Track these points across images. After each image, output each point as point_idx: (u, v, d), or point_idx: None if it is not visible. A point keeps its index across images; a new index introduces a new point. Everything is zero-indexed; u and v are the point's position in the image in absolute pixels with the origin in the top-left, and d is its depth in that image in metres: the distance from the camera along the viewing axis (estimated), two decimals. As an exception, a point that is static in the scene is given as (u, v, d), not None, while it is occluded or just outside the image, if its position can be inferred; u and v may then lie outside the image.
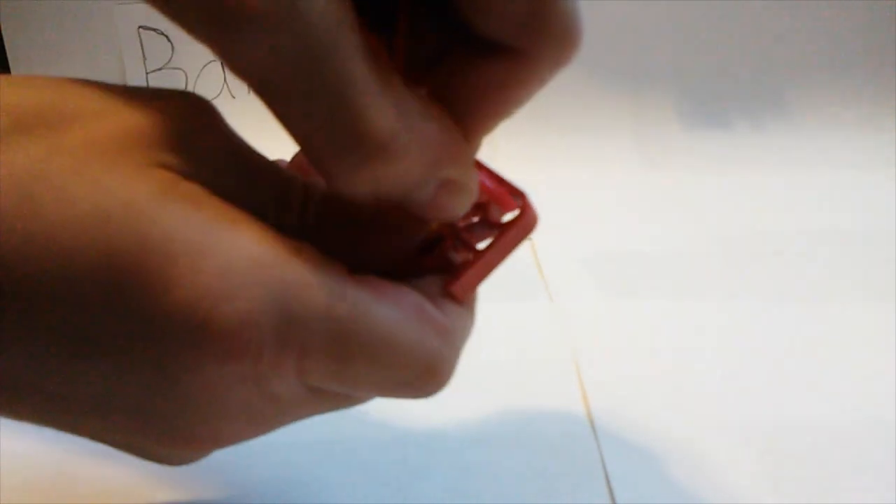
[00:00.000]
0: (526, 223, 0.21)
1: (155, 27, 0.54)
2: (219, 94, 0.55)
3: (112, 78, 0.56)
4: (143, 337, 0.17)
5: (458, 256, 0.22)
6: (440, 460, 0.30)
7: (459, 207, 0.20)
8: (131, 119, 0.18)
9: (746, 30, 0.58)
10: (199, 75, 0.55)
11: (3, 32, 0.54)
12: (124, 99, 0.18)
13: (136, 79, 0.55)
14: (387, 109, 0.17)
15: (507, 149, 0.55)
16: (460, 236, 0.22)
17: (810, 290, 0.41)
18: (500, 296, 0.40)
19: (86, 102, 0.18)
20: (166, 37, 0.54)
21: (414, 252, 0.21)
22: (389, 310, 0.19)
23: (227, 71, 0.55)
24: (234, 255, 0.17)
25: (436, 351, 0.20)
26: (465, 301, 0.21)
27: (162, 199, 0.17)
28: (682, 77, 0.58)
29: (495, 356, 0.35)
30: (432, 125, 0.19)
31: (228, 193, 0.18)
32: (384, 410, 0.32)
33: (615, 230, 0.47)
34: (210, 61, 0.55)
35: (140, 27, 0.54)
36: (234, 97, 0.55)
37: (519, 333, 0.37)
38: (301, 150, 0.19)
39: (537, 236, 0.46)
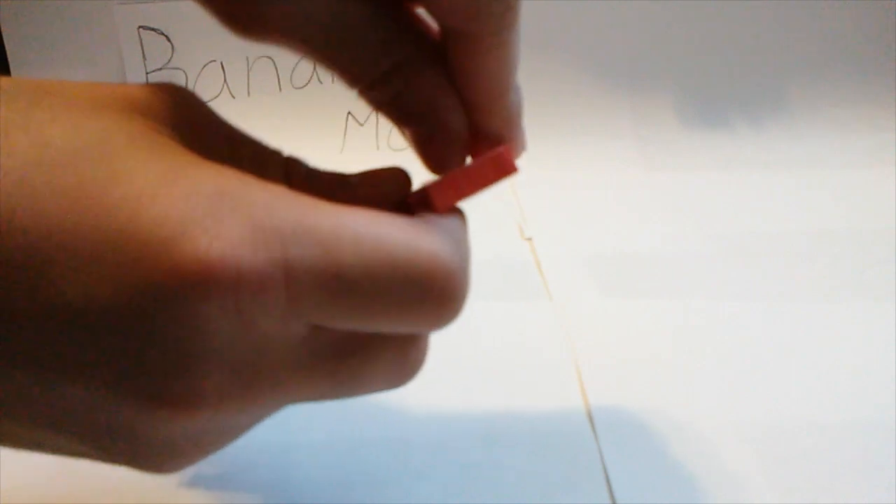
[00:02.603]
0: (506, 151, 0.22)
1: (155, 27, 0.54)
2: (219, 94, 0.55)
3: (112, 78, 0.56)
4: (114, 273, 0.16)
5: None
6: (440, 460, 0.30)
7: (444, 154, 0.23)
8: (111, 86, 0.19)
9: (746, 30, 0.58)
10: (199, 75, 0.55)
11: (3, 32, 0.54)
12: (103, 83, 0.19)
13: (136, 79, 0.55)
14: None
15: (507, 149, 0.55)
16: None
17: (810, 289, 0.41)
18: (500, 295, 0.40)
19: (67, 83, 0.19)
20: (166, 37, 0.54)
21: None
22: (373, 217, 0.18)
23: (226, 71, 0.55)
24: (199, 180, 0.17)
25: (437, 249, 0.18)
26: (443, 207, 0.21)
27: (135, 142, 0.17)
28: (682, 77, 0.58)
29: (495, 356, 0.35)
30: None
31: (204, 154, 0.19)
32: (384, 410, 0.32)
33: (615, 230, 0.47)
34: (210, 61, 0.55)
35: (140, 27, 0.54)
36: (234, 97, 0.55)
37: (519, 333, 0.37)
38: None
39: (537, 236, 0.46)
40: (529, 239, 0.46)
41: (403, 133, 0.24)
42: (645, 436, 0.31)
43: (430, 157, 0.23)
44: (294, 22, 0.21)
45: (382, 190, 0.23)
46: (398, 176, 0.23)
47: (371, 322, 0.18)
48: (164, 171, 0.17)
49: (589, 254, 0.44)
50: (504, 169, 0.22)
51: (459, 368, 0.35)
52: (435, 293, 0.18)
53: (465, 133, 0.23)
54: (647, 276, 0.42)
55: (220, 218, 0.16)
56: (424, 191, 0.22)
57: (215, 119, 0.21)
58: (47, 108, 0.17)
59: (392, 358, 0.20)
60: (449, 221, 0.20)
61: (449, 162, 0.23)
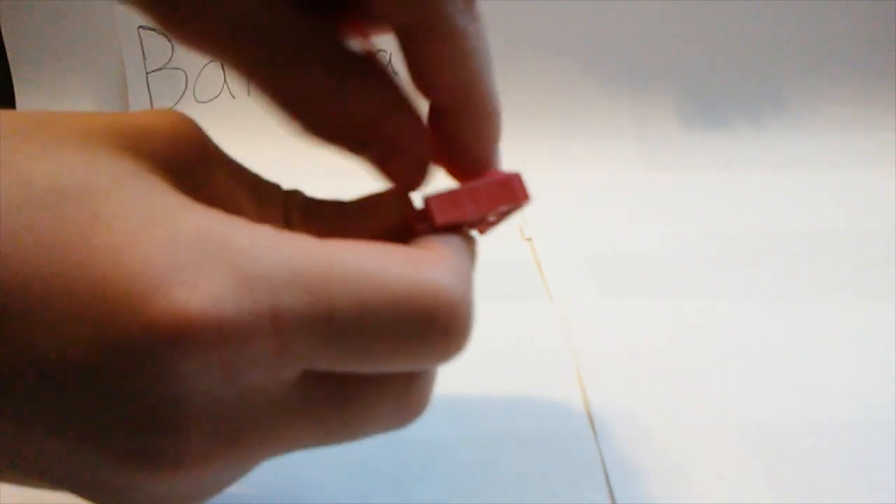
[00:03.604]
0: (518, 178, 0.22)
1: (155, 27, 0.54)
2: (219, 94, 0.55)
3: (112, 78, 0.56)
4: (89, 328, 0.15)
5: None
6: (440, 460, 0.30)
7: (405, 172, 0.22)
8: (107, 118, 0.18)
9: (746, 30, 0.58)
10: (199, 75, 0.55)
11: (3, 32, 0.54)
12: (102, 113, 0.19)
13: (136, 79, 0.55)
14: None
15: (507, 148, 0.55)
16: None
17: (810, 289, 0.41)
18: (500, 295, 0.40)
19: (66, 114, 0.18)
20: (166, 37, 0.54)
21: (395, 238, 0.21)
22: (367, 252, 0.17)
23: (226, 71, 0.55)
24: (181, 225, 0.16)
25: (437, 280, 0.17)
26: (442, 220, 0.20)
27: (121, 181, 0.17)
28: (682, 77, 0.58)
29: (495, 356, 0.35)
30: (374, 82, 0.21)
31: (201, 191, 0.19)
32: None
33: (615, 230, 0.47)
34: (210, 61, 0.55)
35: (140, 27, 0.54)
36: (234, 97, 0.55)
37: (519, 333, 0.37)
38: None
39: (537, 236, 0.46)
40: (529, 239, 0.46)
41: (362, 160, 0.23)
42: (645, 436, 0.31)
43: (394, 180, 0.22)
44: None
45: (383, 215, 0.22)
46: (399, 198, 0.23)
47: (370, 364, 0.17)
48: (145, 216, 0.16)
49: (589, 254, 0.44)
50: (514, 195, 0.21)
51: (459, 368, 0.35)
52: (438, 327, 0.17)
53: (423, 149, 0.22)
54: (647, 276, 0.42)
55: (199, 267, 0.15)
56: (424, 202, 0.21)
57: (216, 152, 0.21)
58: (38, 143, 0.17)
59: (393, 399, 0.19)
60: (448, 243, 0.19)
61: (413, 181, 0.22)
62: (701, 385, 0.34)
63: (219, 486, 0.19)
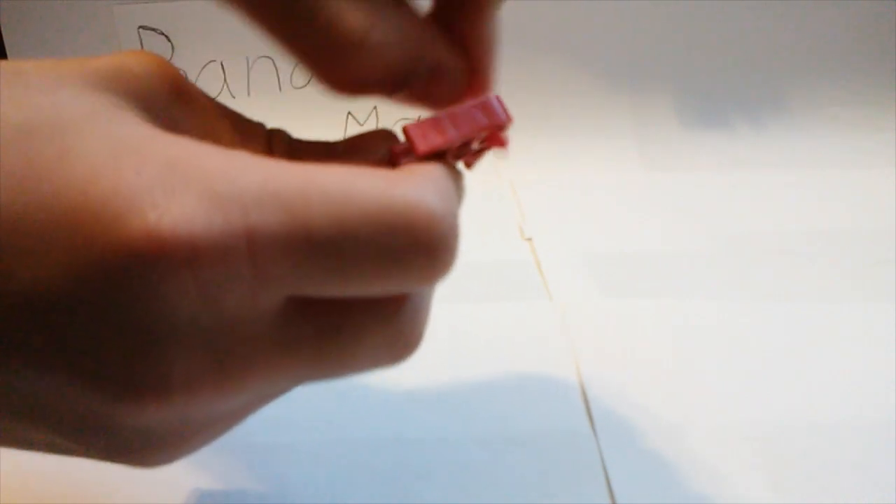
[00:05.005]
0: (497, 98, 0.21)
1: (155, 27, 0.54)
2: (219, 94, 0.55)
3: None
4: (64, 254, 0.15)
5: None
6: (440, 460, 0.30)
7: (449, 92, 0.21)
8: (78, 61, 0.18)
9: (746, 30, 0.58)
10: (199, 75, 0.55)
11: (3, 32, 0.54)
12: (75, 58, 0.19)
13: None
14: (358, 10, 0.19)
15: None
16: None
17: (810, 289, 0.41)
18: (500, 295, 0.40)
19: (34, 61, 0.18)
20: (166, 37, 0.54)
21: None
22: (344, 171, 0.17)
23: (226, 71, 0.55)
24: (152, 152, 0.16)
25: (415, 195, 0.17)
26: (424, 147, 0.20)
27: (90, 116, 0.17)
28: (682, 77, 0.58)
29: (495, 356, 0.35)
30: (405, 17, 0.20)
31: (178, 128, 0.18)
32: (384, 410, 0.32)
33: (615, 230, 0.47)
34: (210, 61, 0.55)
35: (140, 27, 0.54)
36: (234, 97, 0.55)
37: (519, 333, 0.37)
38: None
39: (537, 236, 0.46)
40: (529, 239, 0.46)
41: (397, 98, 0.22)
42: (645, 436, 0.31)
43: (436, 105, 0.22)
44: None
45: (370, 153, 0.22)
46: (386, 138, 0.22)
47: (353, 285, 0.17)
48: (116, 146, 0.16)
49: (589, 254, 0.44)
50: (494, 115, 0.21)
51: (459, 368, 0.35)
52: (418, 243, 0.17)
53: (461, 63, 0.22)
54: (647, 276, 0.42)
55: (170, 189, 0.15)
56: (404, 131, 0.20)
57: (192, 89, 0.20)
58: (5, 86, 0.17)
59: (382, 328, 0.18)
60: (431, 168, 0.19)
61: (457, 99, 0.22)
62: (701, 385, 0.34)
63: (218, 425, 0.18)
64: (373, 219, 0.16)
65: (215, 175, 0.16)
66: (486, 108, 0.21)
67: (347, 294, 0.17)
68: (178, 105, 0.20)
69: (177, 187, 0.15)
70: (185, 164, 0.16)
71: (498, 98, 0.21)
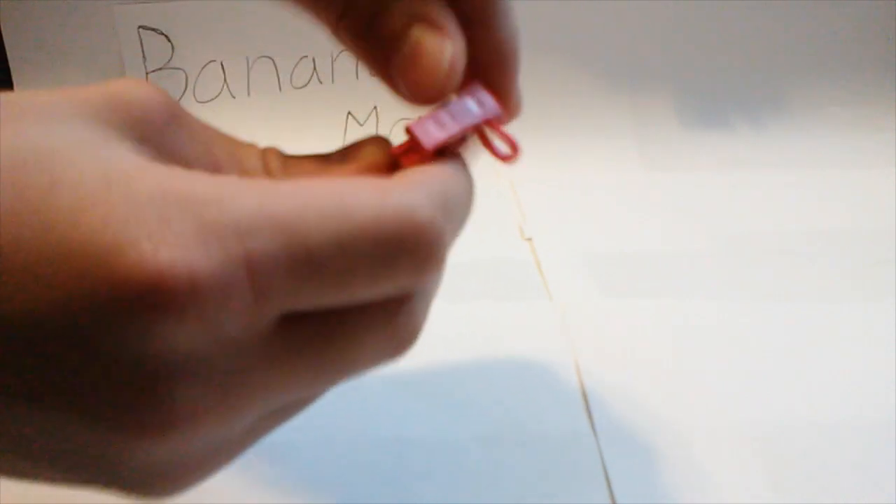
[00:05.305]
0: (475, 87, 0.22)
1: (155, 27, 0.54)
2: (219, 94, 0.55)
3: (112, 78, 0.56)
4: (57, 289, 0.15)
5: None
6: (440, 460, 0.30)
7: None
8: (70, 91, 0.18)
9: (746, 30, 0.58)
10: (199, 75, 0.55)
11: (3, 32, 0.54)
12: (68, 87, 0.18)
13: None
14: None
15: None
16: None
17: (810, 289, 0.41)
18: (500, 295, 0.40)
19: (26, 92, 0.18)
20: (166, 37, 0.54)
21: None
22: (337, 186, 0.17)
23: (226, 71, 0.55)
24: (143, 183, 0.16)
25: (404, 204, 0.17)
26: (431, 145, 0.20)
27: (80, 147, 0.16)
28: (682, 77, 0.58)
29: (495, 355, 0.35)
30: None
31: (174, 157, 0.18)
32: (384, 410, 0.32)
33: (615, 230, 0.47)
34: (210, 61, 0.55)
35: (140, 27, 0.54)
36: (234, 97, 0.55)
37: (519, 333, 0.37)
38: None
39: (537, 236, 0.46)
40: (529, 239, 0.46)
41: (383, 70, 0.22)
42: (645, 436, 0.31)
43: (416, 87, 0.22)
44: None
45: (365, 159, 0.22)
46: (378, 143, 0.22)
47: (349, 295, 0.17)
48: (106, 176, 0.16)
49: (589, 254, 0.44)
50: (487, 105, 0.21)
51: (459, 368, 0.35)
52: (406, 250, 0.17)
53: (464, 47, 0.22)
54: (647, 276, 0.42)
55: (163, 220, 0.15)
56: (408, 131, 0.21)
57: (186, 118, 0.20)
58: None
59: (381, 327, 0.18)
60: (425, 171, 0.19)
61: (445, 85, 0.21)
62: (701, 385, 0.34)
63: (225, 451, 0.18)
64: (367, 232, 0.17)
65: (209, 203, 0.16)
66: (477, 97, 0.21)
67: (341, 303, 0.17)
68: (171, 132, 0.19)
69: (171, 218, 0.15)
70: (178, 194, 0.16)
71: (479, 85, 0.22)
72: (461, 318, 0.38)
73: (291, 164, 0.22)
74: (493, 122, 0.22)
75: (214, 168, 0.20)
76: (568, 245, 0.45)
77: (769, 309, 0.39)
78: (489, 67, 0.23)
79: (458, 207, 0.19)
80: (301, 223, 0.16)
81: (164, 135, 0.19)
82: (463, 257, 0.43)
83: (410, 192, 0.18)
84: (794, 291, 0.41)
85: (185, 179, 0.16)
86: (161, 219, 0.15)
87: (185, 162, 0.19)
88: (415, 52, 0.21)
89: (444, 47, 0.21)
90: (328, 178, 0.18)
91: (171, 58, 0.55)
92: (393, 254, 0.17)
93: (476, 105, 0.21)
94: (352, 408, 0.32)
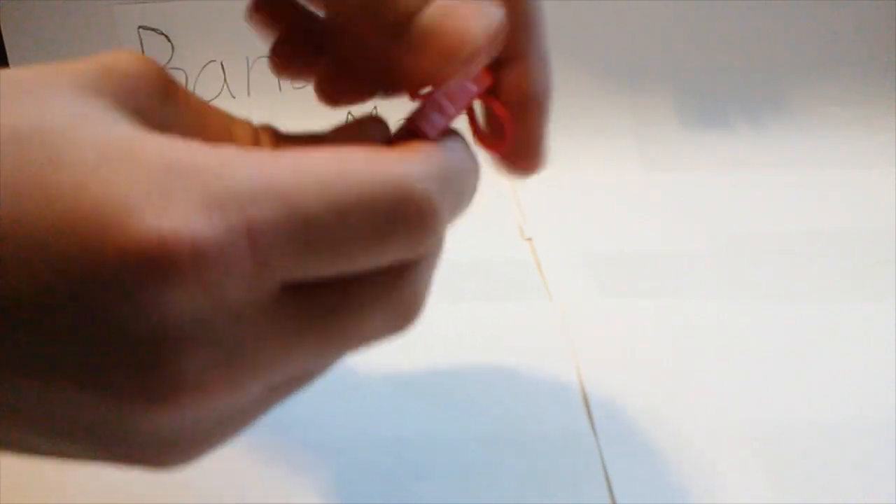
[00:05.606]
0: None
1: (155, 27, 0.54)
2: (219, 94, 0.55)
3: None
4: (61, 262, 0.15)
5: None
6: (440, 460, 0.30)
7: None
8: (61, 66, 0.18)
9: (746, 30, 0.58)
10: (199, 75, 0.55)
11: (3, 32, 0.54)
12: (61, 61, 0.19)
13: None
14: None
15: (507, 149, 0.55)
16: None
17: (810, 289, 0.41)
18: (500, 295, 0.40)
19: (18, 69, 0.18)
20: (166, 37, 0.54)
21: None
22: (336, 154, 0.17)
23: (226, 71, 0.55)
24: (144, 154, 0.16)
25: (402, 172, 0.17)
26: (433, 133, 0.20)
27: (78, 122, 0.16)
28: (682, 77, 0.58)
29: (495, 355, 0.35)
30: None
31: (168, 129, 0.18)
32: (384, 410, 0.32)
33: (615, 230, 0.47)
34: (210, 61, 0.55)
35: (140, 27, 0.54)
36: (234, 97, 0.55)
37: (519, 333, 0.37)
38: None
39: (537, 236, 0.46)
40: (529, 239, 0.46)
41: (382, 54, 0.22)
42: (645, 436, 0.31)
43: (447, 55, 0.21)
44: None
45: (360, 140, 0.22)
46: (376, 124, 0.22)
47: (348, 262, 0.17)
48: (106, 149, 0.16)
49: (589, 254, 0.44)
50: (479, 79, 0.21)
51: (459, 368, 0.35)
52: (402, 221, 0.17)
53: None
54: (647, 276, 0.42)
55: (167, 190, 0.15)
56: (409, 123, 0.21)
57: (180, 90, 0.20)
58: None
59: (384, 299, 0.19)
60: (421, 143, 0.19)
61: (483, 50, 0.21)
62: (701, 385, 0.34)
63: (232, 422, 0.18)
64: (365, 198, 0.17)
65: (211, 173, 0.16)
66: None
67: (342, 272, 0.17)
68: (166, 103, 0.20)
69: (174, 187, 0.15)
70: (180, 164, 0.16)
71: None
72: (461, 318, 0.38)
73: (284, 143, 0.22)
74: (489, 99, 0.22)
75: (207, 140, 0.20)
76: (568, 245, 0.45)
77: (769, 309, 0.39)
78: (517, 109, 0.23)
79: (458, 182, 0.19)
80: (300, 192, 0.16)
81: (159, 105, 0.19)
82: (463, 257, 0.43)
83: (406, 163, 0.18)
84: (794, 291, 0.41)
85: (186, 149, 0.16)
86: (163, 188, 0.15)
87: (179, 133, 0.19)
88: (449, 13, 0.20)
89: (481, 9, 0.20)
90: (326, 148, 0.18)
91: (171, 58, 0.55)
92: (388, 224, 0.17)
93: (472, 83, 0.21)
94: (352, 408, 0.32)
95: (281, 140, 0.22)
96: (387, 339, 0.19)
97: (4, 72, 0.17)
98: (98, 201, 0.15)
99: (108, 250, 0.15)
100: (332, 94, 0.24)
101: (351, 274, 0.18)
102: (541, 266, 0.43)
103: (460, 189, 0.20)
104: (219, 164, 0.16)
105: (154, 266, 0.15)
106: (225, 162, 0.16)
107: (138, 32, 0.54)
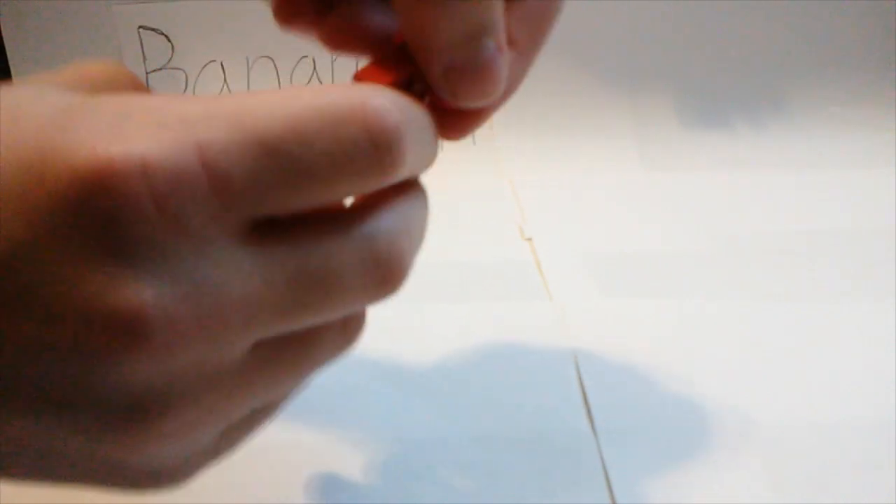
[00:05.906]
0: None
1: (155, 27, 0.54)
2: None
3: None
4: (22, 202, 0.15)
5: None
6: (440, 460, 0.30)
7: None
8: (38, 74, 0.19)
9: (746, 30, 0.58)
10: (199, 75, 0.55)
11: (3, 32, 0.54)
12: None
13: (136, 79, 0.55)
14: None
15: (507, 148, 0.55)
16: None
17: (810, 289, 0.41)
18: (500, 295, 0.40)
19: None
20: (166, 37, 0.54)
21: None
22: (283, 89, 0.17)
23: (226, 71, 0.55)
24: (101, 105, 0.17)
25: (361, 94, 0.17)
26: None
27: (48, 90, 0.17)
28: (682, 77, 0.58)
29: (495, 355, 0.35)
30: None
31: None
32: (384, 410, 0.32)
33: (615, 230, 0.47)
34: (210, 61, 0.55)
35: (140, 27, 0.54)
36: (234, 97, 0.55)
37: (519, 333, 0.37)
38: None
39: (537, 236, 0.46)
40: (529, 239, 0.46)
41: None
42: (645, 436, 0.31)
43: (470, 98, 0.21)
44: None
45: None
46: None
47: (312, 189, 0.17)
48: (67, 106, 0.17)
49: (589, 254, 0.44)
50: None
51: (459, 368, 0.35)
52: (362, 131, 0.17)
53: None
54: (647, 276, 0.42)
55: (118, 125, 0.16)
56: (356, 79, 0.21)
57: (149, 94, 0.21)
58: None
59: (355, 248, 0.18)
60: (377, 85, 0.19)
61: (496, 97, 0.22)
62: (701, 385, 0.34)
63: (209, 425, 0.19)
64: (322, 113, 0.17)
65: (161, 108, 0.16)
66: None
67: (309, 202, 0.17)
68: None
69: (123, 123, 0.16)
70: (132, 107, 0.16)
71: None
72: (461, 318, 0.38)
73: None
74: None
75: None
76: (568, 245, 0.45)
77: (769, 309, 0.39)
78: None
79: (419, 119, 0.19)
80: (250, 113, 0.16)
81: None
82: (463, 257, 0.43)
83: (365, 87, 0.18)
84: (794, 291, 0.41)
85: (140, 97, 0.17)
86: (116, 124, 0.16)
87: None
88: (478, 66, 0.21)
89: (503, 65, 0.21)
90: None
91: (171, 58, 0.55)
92: (348, 135, 0.17)
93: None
94: (352, 408, 0.32)
95: None
96: (370, 300, 0.19)
97: None
98: (54, 141, 0.16)
99: (62, 177, 0.15)
100: (338, 43, 0.23)
101: (320, 205, 0.18)
102: (541, 266, 0.43)
103: (421, 126, 0.19)
104: (171, 101, 0.17)
105: (102, 182, 0.15)
106: (177, 100, 0.17)
107: (138, 32, 0.54)
